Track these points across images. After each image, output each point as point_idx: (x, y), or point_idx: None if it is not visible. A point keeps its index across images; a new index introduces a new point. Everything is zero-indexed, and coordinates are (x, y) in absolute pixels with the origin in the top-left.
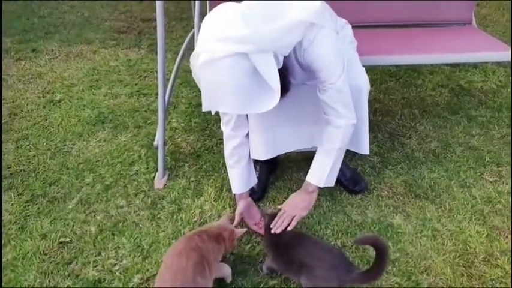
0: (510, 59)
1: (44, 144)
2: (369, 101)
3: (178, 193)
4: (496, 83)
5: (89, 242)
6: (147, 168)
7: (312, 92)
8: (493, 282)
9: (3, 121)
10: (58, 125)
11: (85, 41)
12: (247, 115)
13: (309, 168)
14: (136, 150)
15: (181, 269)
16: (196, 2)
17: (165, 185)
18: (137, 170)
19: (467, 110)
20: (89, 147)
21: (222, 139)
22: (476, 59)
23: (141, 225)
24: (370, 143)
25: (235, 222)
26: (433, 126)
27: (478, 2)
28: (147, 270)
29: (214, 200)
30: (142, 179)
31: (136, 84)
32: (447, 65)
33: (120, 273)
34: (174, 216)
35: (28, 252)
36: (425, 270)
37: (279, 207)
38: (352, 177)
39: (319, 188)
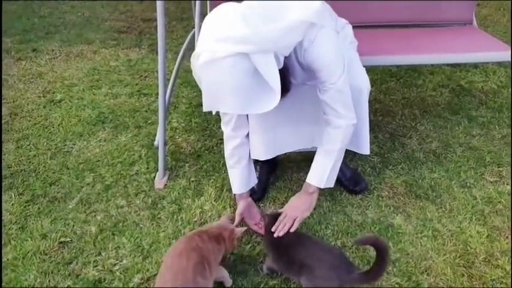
0: (510, 59)
1: (45, 144)
2: (370, 101)
3: (179, 193)
4: (497, 83)
5: (89, 241)
6: (148, 168)
7: (313, 92)
8: (494, 282)
9: (3, 121)
10: (58, 125)
11: (85, 41)
12: (247, 115)
13: (309, 169)
14: (137, 150)
15: (182, 269)
16: (197, 2)
17: (166, 185)
18: (137, 170)
19: (468, 110)
20: (89, 147)
21: (222, 139)
22: (477, 59)
23: (141, 225)
24: (371, 143)
25: (236, 222)
26: (433, 126)
27: (478, 2)
28: (148, 270)
29: (214, 200)
30: (142, 179)
31: (136, 84)
32: (448, 65)
33: (121, 273)
34: (175, 216)
35: (28, 252)
36: (426, 271)
37: (280, 211)
38: (352, 177)
39: (320, 188)
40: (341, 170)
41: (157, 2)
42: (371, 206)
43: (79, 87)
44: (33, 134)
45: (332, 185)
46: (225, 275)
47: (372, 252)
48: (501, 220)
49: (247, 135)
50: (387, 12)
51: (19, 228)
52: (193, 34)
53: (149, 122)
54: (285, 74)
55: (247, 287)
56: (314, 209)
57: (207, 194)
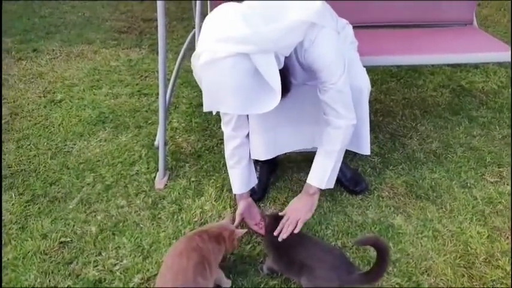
0: (511, 60)
1: (45, 144)
2: (370, 102)
3: (179, 193)
4: (497, 83)
5: (89, 241)
6: (148, 168)
7: (313, 93)
8: (494, 283)
9: (4, 121)
10: (59, 125)
11: (86, 41)
12: (247, 115)
13: (309, 169)
14: (137, 150)
15: (182, 270)
16: (197, 2)
17: (166, 185)
18: (138, 170)
19: (468, 111)
20: (89, 147)
21: (222, 139)
22: (477, 59)
23: (141, 225)
24: (371, 143)
25: (236, 222)
26: (434, 126)
27: (479, 2)
28: (148, 270)
29: (214, 200)
30: (143, 179)
31: (137, 84)
32: (448, 65)
33: (121, 273)
34: (175, 216)
35: (29, 252)
36: (426, 271)
37: (281, 214)
38: (352, 177)
39: (320, 189)
40: (341, 170)
41: (157, 2)
42: (371, 207)
43: (79, 87)
44: (34, 134)
45: (332, 186)
46: (220, 276)
47: (372, 252)
48: (501, 220)
49: (248, 135)
50: (388, 13)
51: (19, 228)
52: (194, 34)
53: (149, 122)
54: (286, 74)
55: (247, 287)
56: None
57: (207, 194)
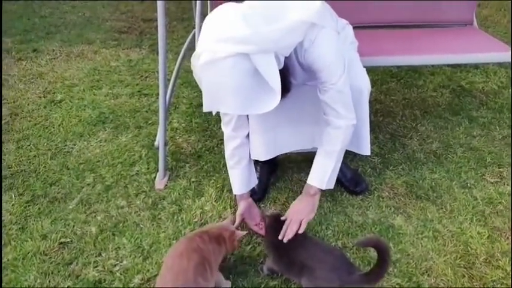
0: (511, 60)
1: (45, 144)
2: (370, 102)
3: (179, 193)
4: (497, 83)
5: (89, 242)
6: (148, 168)
7: (313, 93)
8: (494, 283)
9: (4, 121)
10: (59, 125)
11: (86, 41)
12: (247, 116)
13: (309, 169)
14: (137, 151)
15: (183, 270)
16: (198, 2)
17: (166, 185)
18: (138, 171)
19: (469, 111)
20: (89, 148)
21: (222, 140)
22: (478, 59)
23: (141, 226)
24: (371, 143)
25: (236, 223)
26: (434, 127)
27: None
28: (148, 270)
29: (215, 201)
30: (143, 179)
31: (137, 85)
32: (448, 65)
33: (121, 274)
34: (175, 217)
35: (28, 253)
36: (426, 271)
37: (283, 218)
38: (353, 178)
39: (321, 190)
40: (341, 170)
41: (158, 2)
42: (371, 207)
43: (79, 87)
44: (34, 134)
45: (332, 187)
46: (219, 279)
47: (372, 253)
48: (502, 221)
49: (248, 135)
50: (388, 13)
51: (19, 228)
52: (194, 34)
53: (150, 122)
54: (286, 74)
55: (247, 287)
56: None
57: (207, 195)
